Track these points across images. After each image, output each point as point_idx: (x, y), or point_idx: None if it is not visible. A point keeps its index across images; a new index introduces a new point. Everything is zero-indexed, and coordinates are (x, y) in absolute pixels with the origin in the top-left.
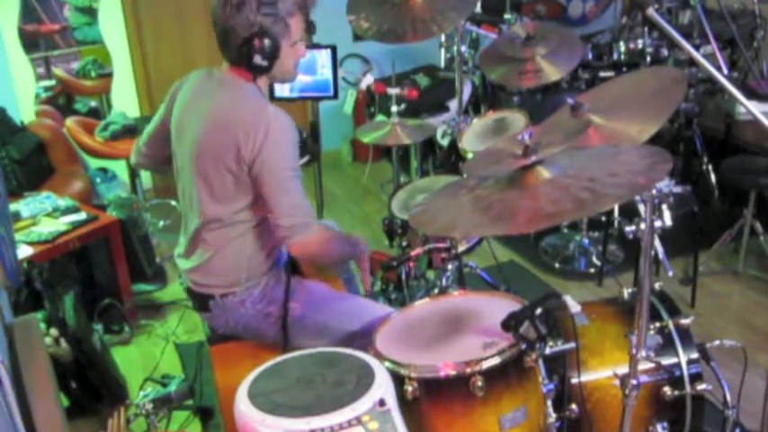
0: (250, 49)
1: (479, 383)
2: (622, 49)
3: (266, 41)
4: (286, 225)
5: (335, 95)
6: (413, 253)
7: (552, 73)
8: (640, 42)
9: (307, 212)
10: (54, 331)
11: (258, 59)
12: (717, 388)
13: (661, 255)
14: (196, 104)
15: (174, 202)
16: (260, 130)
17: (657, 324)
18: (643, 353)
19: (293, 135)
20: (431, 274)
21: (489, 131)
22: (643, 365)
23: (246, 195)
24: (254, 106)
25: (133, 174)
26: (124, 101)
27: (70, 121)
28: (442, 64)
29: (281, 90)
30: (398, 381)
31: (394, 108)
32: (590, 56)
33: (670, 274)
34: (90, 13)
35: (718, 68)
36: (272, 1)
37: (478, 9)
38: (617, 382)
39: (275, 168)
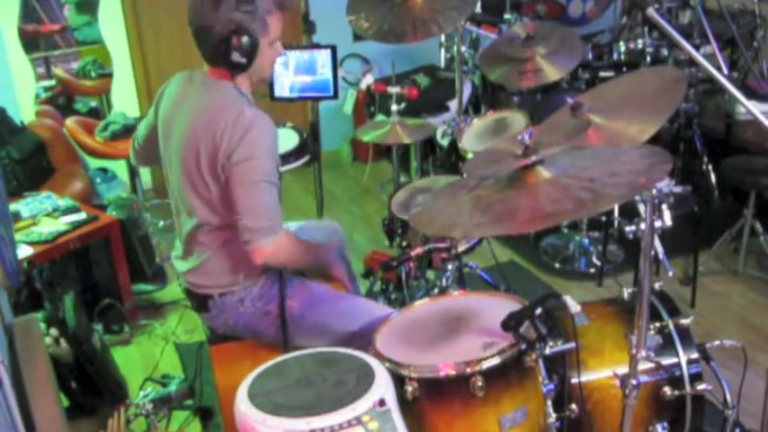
0: (228, 47)
1: (479, 383)
2: (622, 49)
3: (244, 39)
4: (250, 226)
5: (335, 95)
6: (413, 253)
7: (552, 73)
8: (640, 42)
9: (273, 217)
10: (54, 331)
11: (237, 57)
12: (717, 388)
13: (661, 255)
14: (179, 108)
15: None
16: (237, 131)
17: (657, 324)
18: (643, 353)
19: (271, 142)
20: (431, 274)
21: (489, 131)
22: (643, 365)
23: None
24: (234, 108)
25: (133, 174)
26: (124, 101)
27: (70, 121)
28: (442, 64)
29: (281, 90)
30: (398, 381)
31: (394, 107)
32: (590, 56)
33: (670, 274)
34: (90, 8)
35: (718, 68)
36: (257, 3)
37: (478, 9)
38: (617, 382)
39: (247, 171)
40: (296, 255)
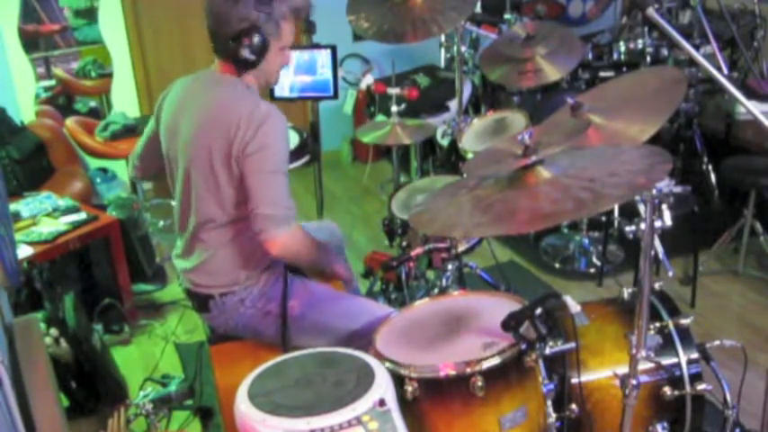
0: (239, 43)
1: (479, 383)
2: (622, 49)
3: (256, 38)
4: (265, 214)
5: (335, 95)
6: (413, 253)
7: (552, 73)
8: (640, 42)
9: (289, 207)
10: (54, 331)
11: (246, 53)
12: (717, 388)
13: (661, 255)
14: (187, 106)
15: (174, 202)
16: (252, 124)
17: (657, 324)
18: (643, 353)
19: (284, 135)
20: (431, 274)
21: (489, 131)
22: (643, 365)
23: (241, 193)
24: (247, 102)
25: None
26: (124, 101)
27: (70, 121)
28: (442, 64)
29: (281, 90)
30: (398, 381)
31: (394, 108)
32: (590, 56)
33: (670, 274)
34: (90, 14)
35: (718, 68)
36: (268, 0)
37: (478, 9)
38: (617, 382)
39: (262, 161)
40: (308, 247)
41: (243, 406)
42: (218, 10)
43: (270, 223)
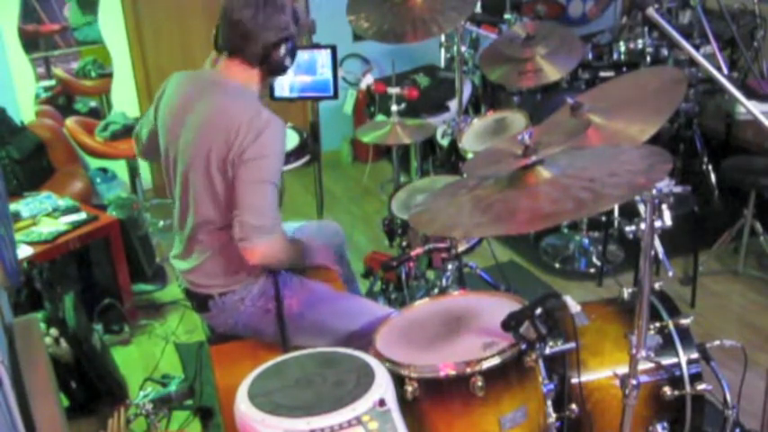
0: (279, 52)
1: (479, 383)
2: (622, 49)
3: (292, 45)
4: (250, 223)
5: (335, 95)
6: (413, 253)
7: (552, 73)
8: (640, 42)
9: (275, 218)
10: (54, 331)
11: (288, 62)
12: (717, 388)
13: (661, 255)
14: (188, 108)
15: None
16: (252, 130)
17: (657, 324)
18: (643, 353)
19: (282, 145)
20: (431, 274)
21: (489, 131)
22: (643, 365)
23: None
24: (248, 108)
25: (133, 174)
26: (124, 101)
27: (70, 121)
28: (442, 64)
29: (281, 90)
30: (398, 381)
31: (394, 108)
32: (590, 56)
33: (670, 274)
34: (90, 6)
35: (718, 68)
36: (297, 10)
37: (478, 9)
38: (617, 382)
39: (256, 169)
40: (287, 253)
41: (243, 406)
42: (255, 18)
43: (253, 233)
